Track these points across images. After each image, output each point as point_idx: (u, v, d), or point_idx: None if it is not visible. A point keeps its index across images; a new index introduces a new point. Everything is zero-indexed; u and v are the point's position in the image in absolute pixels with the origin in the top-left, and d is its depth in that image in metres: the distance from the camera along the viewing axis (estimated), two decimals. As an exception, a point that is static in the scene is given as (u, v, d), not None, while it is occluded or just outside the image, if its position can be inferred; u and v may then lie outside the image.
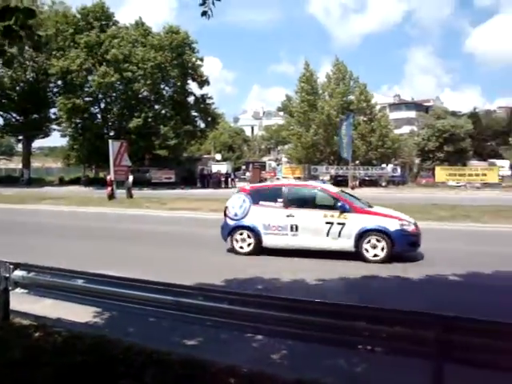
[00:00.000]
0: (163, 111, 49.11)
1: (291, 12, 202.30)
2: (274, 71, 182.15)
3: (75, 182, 50.79)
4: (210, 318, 4.78)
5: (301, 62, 57.01)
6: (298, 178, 47.97)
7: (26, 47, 46.60)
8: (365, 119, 49.54)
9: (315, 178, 47.18)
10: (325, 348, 4.60)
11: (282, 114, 78.13)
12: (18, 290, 6.19)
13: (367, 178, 47.54)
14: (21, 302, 6.34)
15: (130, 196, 29.42)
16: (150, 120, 46.70)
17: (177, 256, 11.22)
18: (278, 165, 58.68)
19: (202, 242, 13.22)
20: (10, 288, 6.09)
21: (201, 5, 5.27)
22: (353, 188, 40.30)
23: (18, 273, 6.09)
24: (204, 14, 5.30)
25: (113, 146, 30.66)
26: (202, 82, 48.95)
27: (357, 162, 48.14)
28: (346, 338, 4.19)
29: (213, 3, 5.25)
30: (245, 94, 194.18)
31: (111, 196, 28.36)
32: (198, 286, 5.94)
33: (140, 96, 47.88)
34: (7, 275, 6.02)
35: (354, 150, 46.08)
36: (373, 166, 48.42)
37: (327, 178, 47.35)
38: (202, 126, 51.48)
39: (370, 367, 4.79)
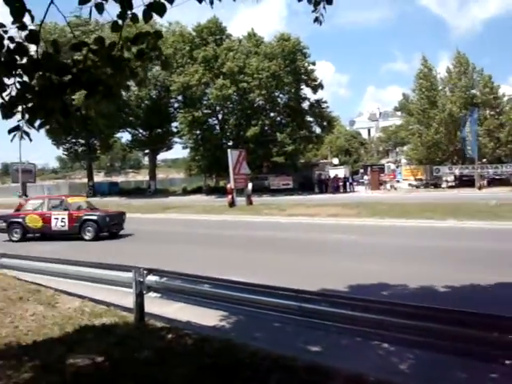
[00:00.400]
0: (279, 118, 49.84)
1: (402, 7, 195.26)
2: (388, 70, 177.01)
3: (197, 191, 53.27)
4: (333, 323, 4.74)
5: (416, 59, 54.74)
6: (420, 180, 46.02)
7: (149, 67, 50.36)
8: (492, 113, 45.98)
9: (438, 179, 44.94)
10: (453, 359, 4.32)
11: (399, 113, 75.50)
12: (152, 294, 6.63)
13: (497, 177, 44.03)
14: (154, 305, 6.75)
15: (250, 203, 30.14)
16: (266, 128, 47.64)
17: (297, 261, 11.28)
18: (397, 167, 56.63)
19: (320, 248, 13.20)
20: (144, 292, 6.53)
21: (313, 11, 5.28)
22: (480, 188, 37.78)
23: (151, 278, 6.53)
24: (316, 20, 5.30)
25: (232, 155, 31.68)
26: (316, 87, 48.81)
27: (484, 160, 44.85)
28: (477, 349, 3.91)
29: (324, 8, 5.24)
30: (359, 96, 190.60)
31: (232, 204, 29.26)
32: (321, 292, 5.93)
33: (255, 105, 48.99)
34: (142, 280, 6.47)
35: (480, 147, 42.90)
36: (502, 163, 44.81)
37: (451, 178, 44.84)
38: (318, 131, 51.34)
39: None
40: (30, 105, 3.15)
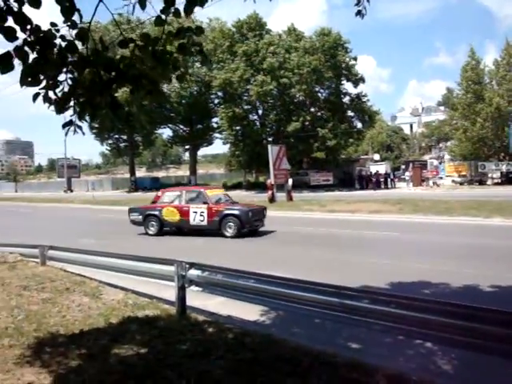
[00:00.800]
0: (319, 113, 49.50)
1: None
2: (431, 64, 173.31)
3: (237, 186, 53.55)
4: (375, 321, 4.69)
5: (460, 52, 53.18)
6: (464, 176, 44.80)
7: (189, 64, 51.02)
8: (544, 107, 44.25)
9: (483, 175, 43.62)
10: (499, 361, 4.15)
11: (443, 108, 73.83)
12: (193, 288, 6.73)
13: (547, 175, 42.38)
14: (195, 298, 6.84)
15: (290, 199, 30.07)
16: (306, 123, 47.41)
17: (337, 258, 11.23)
18: (440, 163, 55.41)
19: (361, 244, 13.08)
20: (186, 285, 6.63)
21: (356, 4, 5.23)
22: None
23: (193, 272, 6.61)
24: (358, 13, 5.25)
25: (272, 151, 31.66)
26: (357, 81, 48.17)
27: (533, 156, 43.32)
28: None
29: (367, 0, 5.18)
30: (401, 90, 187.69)
31: (272, 199, 29.26)
32: (363, 289, 5.88)
33: (296, 100, 48.86)
34: (184, 274, 6.57)
35: (529, 143, 41.55)
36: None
37: (497, 175, 43.46)
38: (359, 126, 50.76)
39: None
40: (80, 100, 3.28)
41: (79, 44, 3.27)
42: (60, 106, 3.24)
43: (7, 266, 10.47)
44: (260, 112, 51.77)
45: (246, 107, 50.07)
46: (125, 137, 64.04)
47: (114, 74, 3.32)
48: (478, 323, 4.00)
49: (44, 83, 3.17)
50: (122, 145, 65.92)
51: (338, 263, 10.56)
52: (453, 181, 44.77)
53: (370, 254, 11.52)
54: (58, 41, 3.14)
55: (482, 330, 3.97)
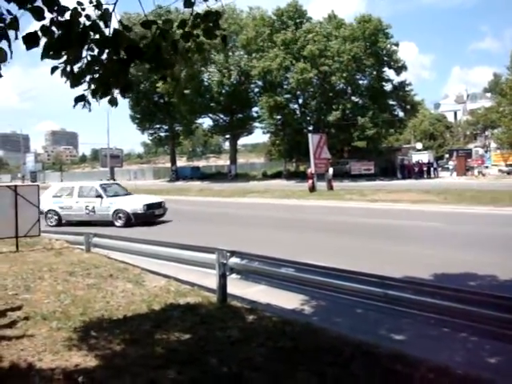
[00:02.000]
0: (360, 102, 48.73)
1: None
2: (475, 49, 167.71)
3: (277, 175, 53.51)
4: (420, 312, 4.60)
5: (507, 36, 51.07)
6: (511, 165, 43.31)
7: (230, 53, 51.25)
8: None
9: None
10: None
11: (489, 95, 71.40)
12: (234, 276, 6.77)
13: None
14: (236, 286, 6.88)
15: (331, 188, 29.88)
16: (347, 112, 46.78)
17: (378, 247, 11.08)
18: (486, 151, 53.77)
19: (403, 235, 12.86)
20: (227, 273, 6.67)
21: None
22: None
23: (234, 260, 6.65)
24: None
25: (312, 140, 31.47)
26: (399, 69, 47.09)
27: None
28: None
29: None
30: (444, 77, 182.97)
31: (312, 188, 29.15)
32: (407, 279, 5.77)
33: (337, 88, 48.25)
34: (225, 262, 6.61)
35: None
36: None
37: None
38: (401, 114, 49.69)
39: None
40: (96, 76, 3.44)
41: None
42: (75, 80, 3.38)
43: (54, 253, 10.81)
44: (300, 101, 51.43)
45: (286, 96, 49.71)
46: (166, 126, 64.83)
47: (132, 53, 3.44)
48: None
49: (64, 58, 3.31)
50: (162, 134, 66.77)
51: (378, 253, 10.40)
52: (499, 170, 43.37)
53: (413, 244, 11.32)
54: (82, 19, 3.27)
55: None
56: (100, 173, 77.46)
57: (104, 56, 3.41)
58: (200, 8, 3.80)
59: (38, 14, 3.09)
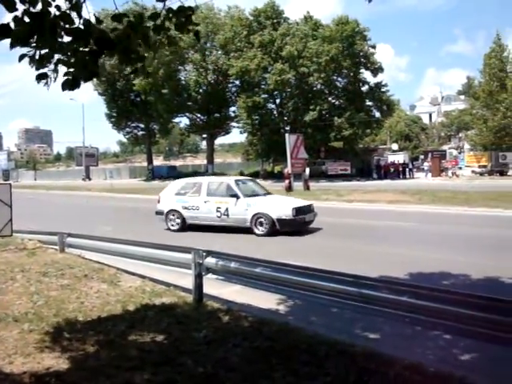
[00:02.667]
0: (337, 102, 49.09)
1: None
2: (449, 52, 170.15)
3: (254, 175, 53.42)
4: (394, 311, 4.65)
5: (480, 40, 51.99)
6: (484, 167, 44.12)
7: (207, 53, 51.14)
8: None
9: (504, 166, 42.89)
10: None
11: (463, 97, 72.65)
12: (210, 276, 6.73)
13: None
14: (212, 286, 6.86)
15: (307, 188, 30.02)
16: (324, 112, 47.06)
17: (354, 247, 11.16)
18: (459, 153, 54.68)
19: (379, 235, 12.99)
20: (203, 273, 6.64)
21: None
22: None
23: (210, 260, 6.62)
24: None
25: (289, 140, 31.55)
26: (376, 70, 47.53)
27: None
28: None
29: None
30: (419, 79, 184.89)
31: (289, 188, 29.23)
32: (382, 279, 5.82)
33: (314, 89, 48.46)
34: (201, 261, 6.58)
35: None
36: None
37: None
38: (377, 115, 50.18)
39: None
40: (62, 58, 3.49)
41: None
42: (40, 63, 3.40)
43: (27, 253, 10.60)
44: (278, 101, 51.53)
45: (263, 96, 49.76)
46: (142, 125, 64.33)
47: (103, 45, 3.48)
48: (498, 315, 3.93)
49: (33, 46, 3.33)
50: (139, 133, 66.26)
51: (353, 253, 10.49)
52: (473, 171, 44.15)
53: (388, 244, 11.43)
54: (52, 10, 3.31)
55: (502, 321, 3.91)
56: (75, 172, 76.60)
57: (74, 46, 3.44)
58: (175, 5, 3.81)
59: (11, 6, 3.12)
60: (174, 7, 3.76)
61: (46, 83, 3.49)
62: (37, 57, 3.34)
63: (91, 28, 3.40)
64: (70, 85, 3.50)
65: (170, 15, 3.71)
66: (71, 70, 3.48)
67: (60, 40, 3.37)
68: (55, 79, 3.49)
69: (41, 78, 3.47)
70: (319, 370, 4.29)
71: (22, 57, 3.35)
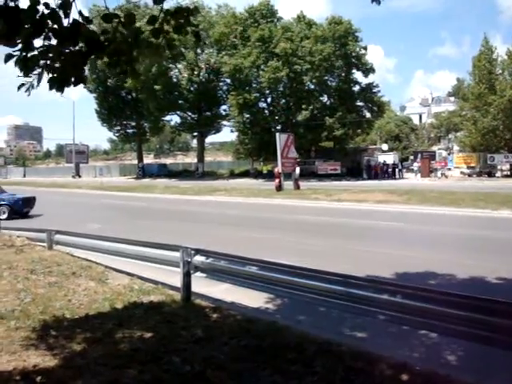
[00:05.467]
0: (329, 102, 49.22)
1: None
2: (436, 54, 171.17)
3: (244, 174, 53.56)
4: (381, 311, 4.67)
5: (466, 43, 52.32)
6: (472, 168, 44.46)
7: (199, 51, 50.93)
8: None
9: (492, 167, 43.24)
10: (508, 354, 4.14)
11: (453, 99, 73.07)
12: (198, 274, 6.73)
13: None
14: (200, 284, 6.84)
15: (297, 187, 30.03)
16: (316, 112, 47.12)
17: (342, 247, 11.20)
18: (448, 154, 54.96)
19: (367, 234, 13.05)
20: (192, 271, 6.63)
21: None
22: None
23: (199, 258, 6.62)
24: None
25: (280, 139, 31.55)
26: (367, 71, 47.73)
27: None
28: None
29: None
30: (408, 81, 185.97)
31: (279, 187, 29.26)
32: (369, 278, 5.85)
33: (306, 89, 48.48)
34: (189, 260, 6.56)
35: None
36: None
37: (506, 167, 43.06)
38: (368, 115, 50.34)
39: None
40: (50, 64, 3.37)
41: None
42: (27, 67, 3.31)
43: (14, 250, 10.52)
44: (269, 100, 51.52)
45: (255, 94, 49.71)
46: (133, 123, 64.06)
47: (92, 46, 3.41)
48: (483, 314, 3.97)
49: (19, 46, 3.24)
50: (129, 131, 65.99)
51: (341, 252, 10.53)
52: (461, 172, 44.48)
53: (375, 243, 11.47)
54: (41, 8, 3.21)
55: (486, 321, 3.95)
56: (65, 169, 76.13)
57: (62, 47, 3.35)
58: (170, 4, 3.77)
59: None
60: (172, 7, 3.70)
61: (28, 90, 3.39)
62: (21, 58, 3.26)
63: (79, 28, 3.32)
64: (57, 86, 3.42)
65: (168, 18, 3.62)
66: (55, 75, 3.38)
67: (48, 42, 3.29)
68: (39, 83, 3.40)
69: (21, 86, 3.38)
70: (306, 369, 4.31)
71: (7, 57, 3.26)
